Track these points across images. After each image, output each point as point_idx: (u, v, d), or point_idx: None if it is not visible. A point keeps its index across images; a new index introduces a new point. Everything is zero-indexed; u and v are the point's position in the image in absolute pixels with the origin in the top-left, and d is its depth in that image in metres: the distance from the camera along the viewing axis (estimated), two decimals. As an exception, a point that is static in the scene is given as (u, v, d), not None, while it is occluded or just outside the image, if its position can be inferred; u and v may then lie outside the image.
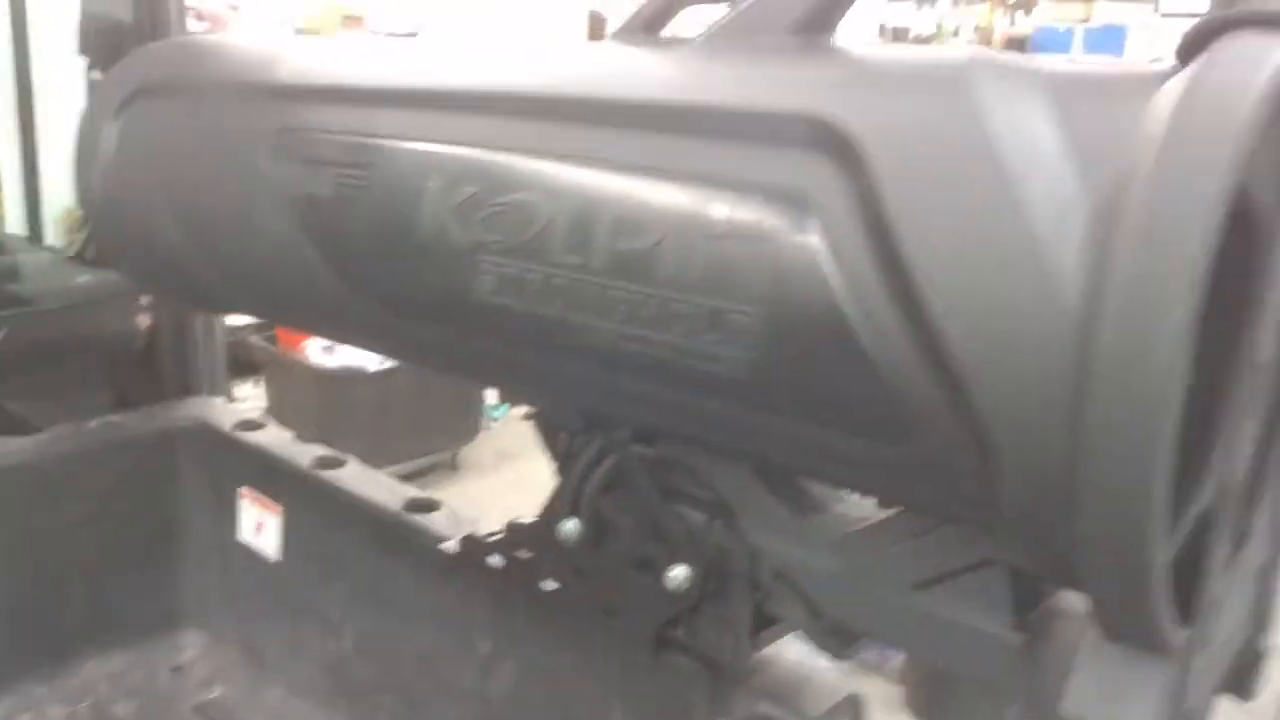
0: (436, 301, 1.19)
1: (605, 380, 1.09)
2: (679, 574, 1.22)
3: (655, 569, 1.24)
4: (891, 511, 1.09)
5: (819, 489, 1.18)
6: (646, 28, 1.21)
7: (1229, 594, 0.88)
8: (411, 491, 1.66)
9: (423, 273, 1.18)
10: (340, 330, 1.51)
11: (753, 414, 0.99)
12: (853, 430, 0.92)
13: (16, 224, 2.71)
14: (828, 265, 0.88)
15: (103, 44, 1.83)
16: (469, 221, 1.13)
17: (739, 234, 0.94)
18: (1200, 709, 0.91)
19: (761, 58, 1.03)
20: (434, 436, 5.34)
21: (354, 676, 1.72)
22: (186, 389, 2.02)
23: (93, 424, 1.87)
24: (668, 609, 1.25)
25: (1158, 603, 0.78)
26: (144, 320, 1.97)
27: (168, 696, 1.86)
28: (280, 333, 5.17)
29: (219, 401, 1.99)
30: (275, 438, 1.85)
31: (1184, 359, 0.68)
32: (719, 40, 1.09)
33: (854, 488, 1.11)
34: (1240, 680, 1.09)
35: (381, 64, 1.35)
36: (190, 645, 1.96)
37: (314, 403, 4.98)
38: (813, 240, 0.89)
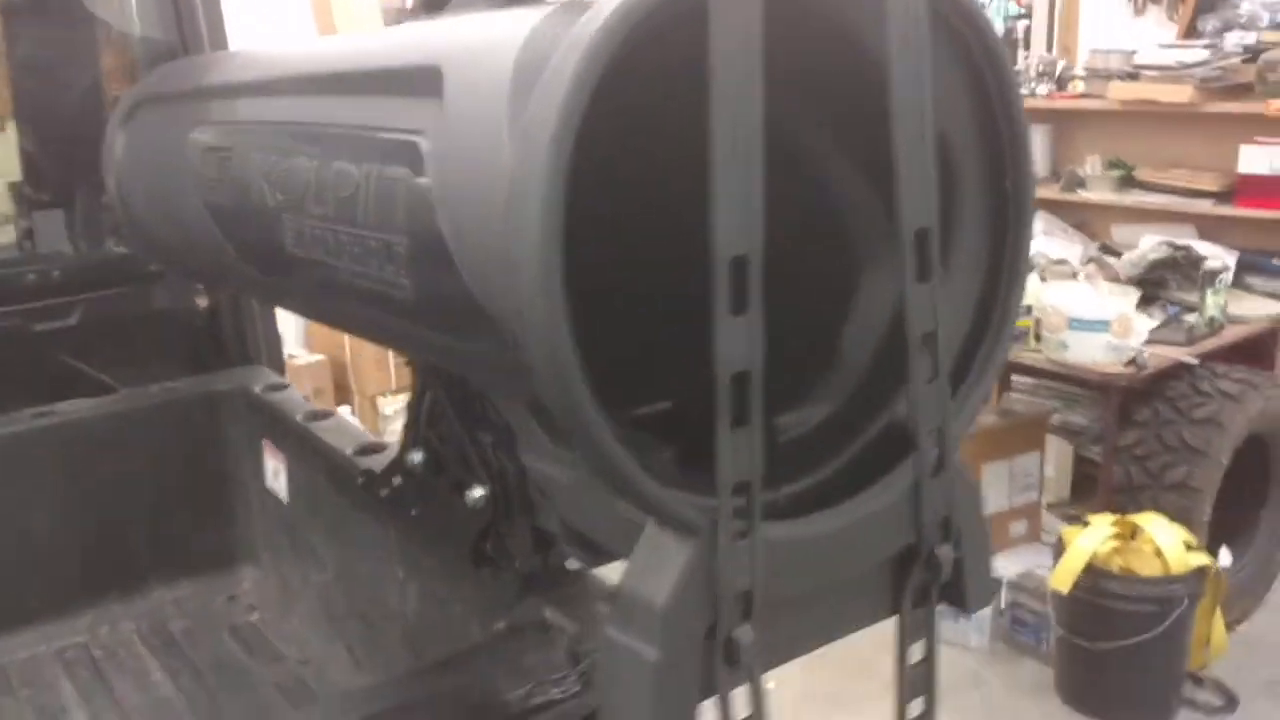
0: (270, 255, 1.38)
1: (360, 315, 1.25)
2: (476, 493, 1.35)
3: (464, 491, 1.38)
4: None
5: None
6: (427, 7, 1.36)
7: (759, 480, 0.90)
8: (369, 438, 1.87)
9: (261, 233, 1.38)
10: (244, 289, 1.75)
11: (425, 331, 1.12)
12: (463, 335, 1.03)
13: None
14: (431, 191, 1.00)
15: (153, 63, 2.17)
16: (273, 185, 1.32)
17: (392, 175, 1.07)
18: (779, 596, 0.94)
19: (425, 24, 1.15)
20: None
21: (335, 604, 1.95)
22: (244, 358, 2.33)
23: (154, 387, 2.22)
24: (475, 525, 1.39)
25: (630, 475, 0.85)
26: (202, 299, 2.31)
27: (215, 620, 2.17)
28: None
29: (262, 368, 2.30)
30: (287, 397, 2.12)
31: (550, 217, 0.77)
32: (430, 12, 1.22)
33: (489, 388, 1.21)
34: (954, 590, 1.10)
35: (254, 62, 1.58)
36: (246, 578, 2.28)
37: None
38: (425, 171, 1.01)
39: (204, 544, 2.25)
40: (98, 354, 2.26)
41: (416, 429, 1.47)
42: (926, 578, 1.06)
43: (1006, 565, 3.75)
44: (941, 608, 1.10)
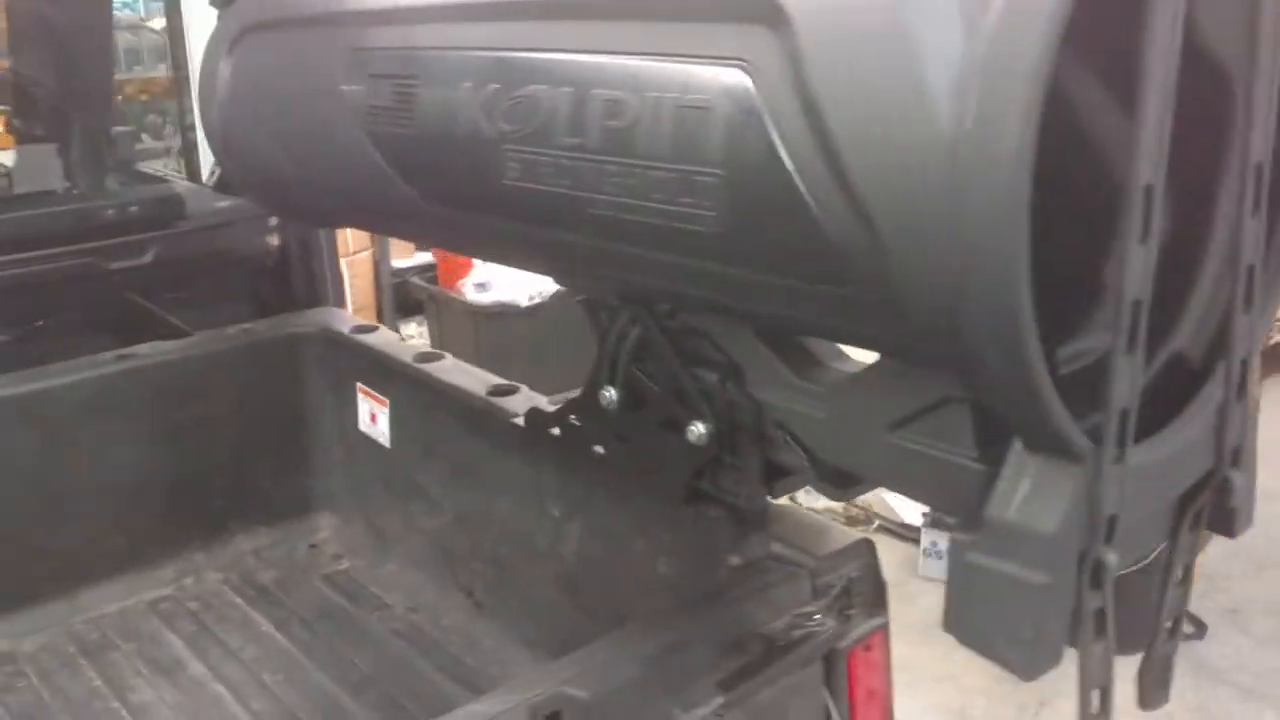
0: (474, 191, 1.34)
1: (611, 250, 1.22)
2: (698, 430, 1.35)
3: (680, 428, 1.37)
4: (871, 362, 1.19)
5: (820, 348, 1.28)
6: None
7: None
8: (496, 380, 1.84)
9: (461, 165, 1.34)
10: (406, 227, 1.69)
11: (728, 268, 1.10)
12: (803, 275, 1.02)
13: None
14: (769, 123, 0.98)
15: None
16: (493, 116, 1.27)
17: (698, 103, 1.05)
18: (1133, 520, 0.97)
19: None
20: (584, 370, 5.56)
21: (453, 548, 1.92)
22: (313, 300, 2.26)
23: (231, 330, 2.13)
24: (692, 462, 1.38)
25: (1047, 401, 0.86)
26: (273, 239, 2.22)
27: (303, 568, 2.12)
28: (440, 272, 5.50)
29: (338, 310, 2.22)
30: (385, 339, 2.07)
31: (1027, 152, 0.77)
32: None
33: (816, 332, 1.21)
34: (1222, 518, 1.14)
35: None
36: (324, 525, 2.22)
37: (471, 337, 5.27)
38: (755, 102, 0.99)
39: (281, 491, 2.18)
40: (167, 295, 2.16)
41: (613, 366, 1.45)
42: (1212, 501, 1.11)
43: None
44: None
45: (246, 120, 1.76)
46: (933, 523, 3.70)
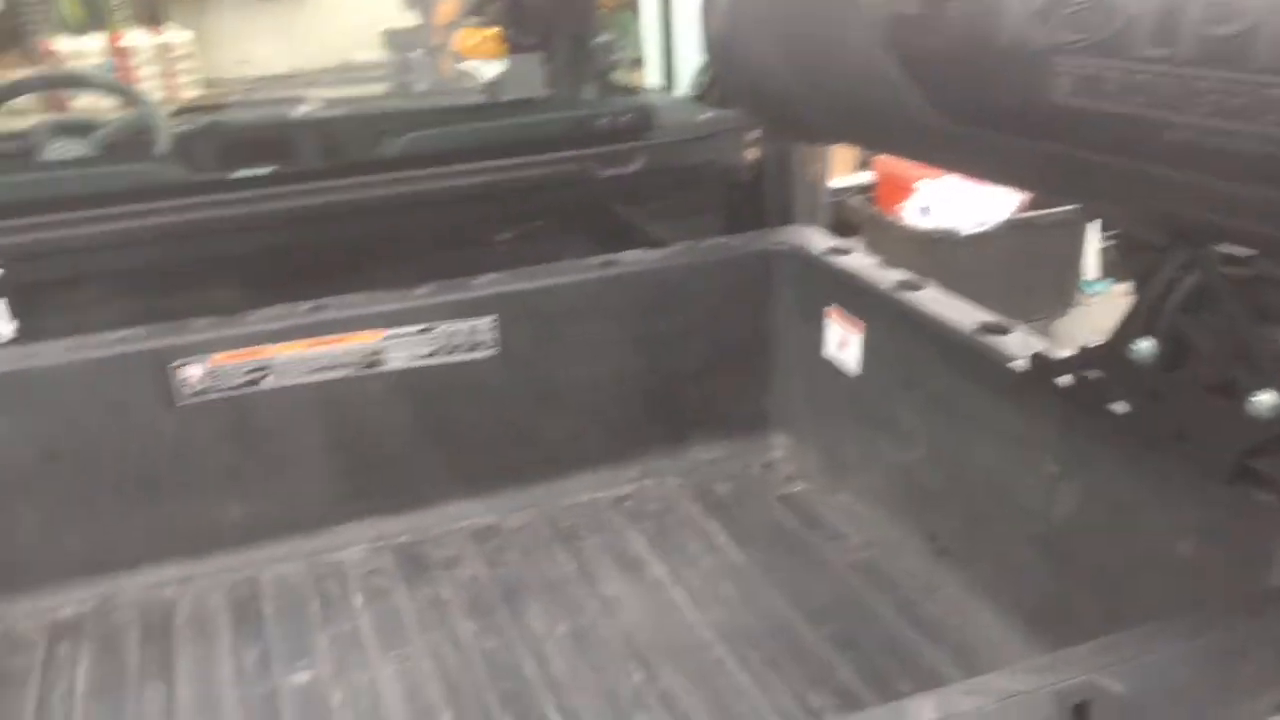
0: (1013, 109, 1.19)
1: (1186, 181, 1.04)
2: (1266, 400, 1.14)
3: (1238, 394, 1.17)
4: None
5: None
6: None
7: None
8: (985, 315, 1.70)
9: (999, 81, 1.19)
10: (920, 149, 1.56)
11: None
12: None
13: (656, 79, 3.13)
14: None
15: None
16: (1049, 24, 1.12)
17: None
18: None
19: None
20: (1026, 304, 5.21)
21: (921, 486, 1.83)
22: (786, 217, 2.21)
23: (707, 243, 2.14)
24: (1249, 437, 1.18)
25: None
26: (752, 153, 2.19)
27: (758, 485, 2.12)
28: (879, 194, 5.34)
29: (813, 229, 2.16)
30: (862, 262, 1.98)
31: None
32: None
33: None
34: None
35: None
36: (778, 446, 2.20)
37: (909, 263, 5.09)
38: None
39: (741, 407, 2.19)
40: (646, 205, 2.21)
41: (1153, 316, 1.26)
42: None
43: None
44: None
45: (748, 28, 1.71)
46: None
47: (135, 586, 1.88)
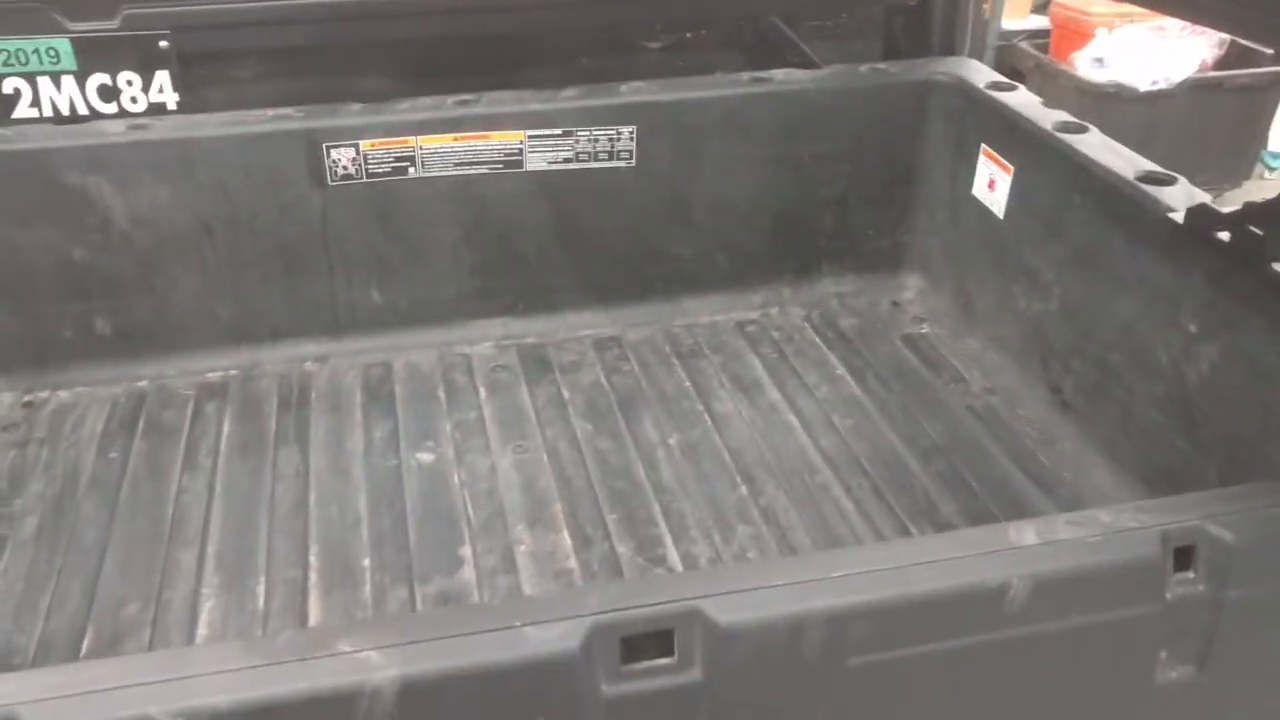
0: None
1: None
2: None
3: None
4: None
5: None
6: None
7: None
8: (1149, 165, 1.61)
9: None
10: None
11: None
12: None
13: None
14: None
15: None
16: None
17: None
18: None
19: None
20: (1197, 172, 4.90)
21: (1050, 338, 1.78)
22: (950, 49, 2.11)
23: (863, 68, 2.06)
24: None
25: None
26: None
27: (884, 323, 2.09)
28: (1054, 40, 5.02)
29: (976, 62, 2.06)
30: (1026, 99, 1.88)
31: None
32: None
33: None
34: None
35: None
36: (910, 285, 2.16)
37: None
38: None
39: (876, 242, 2.15)
40: (804, 24, 2.13)
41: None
42: None
43: None
44: None
45: None
46: None
47: (276, 359, 1.98)
